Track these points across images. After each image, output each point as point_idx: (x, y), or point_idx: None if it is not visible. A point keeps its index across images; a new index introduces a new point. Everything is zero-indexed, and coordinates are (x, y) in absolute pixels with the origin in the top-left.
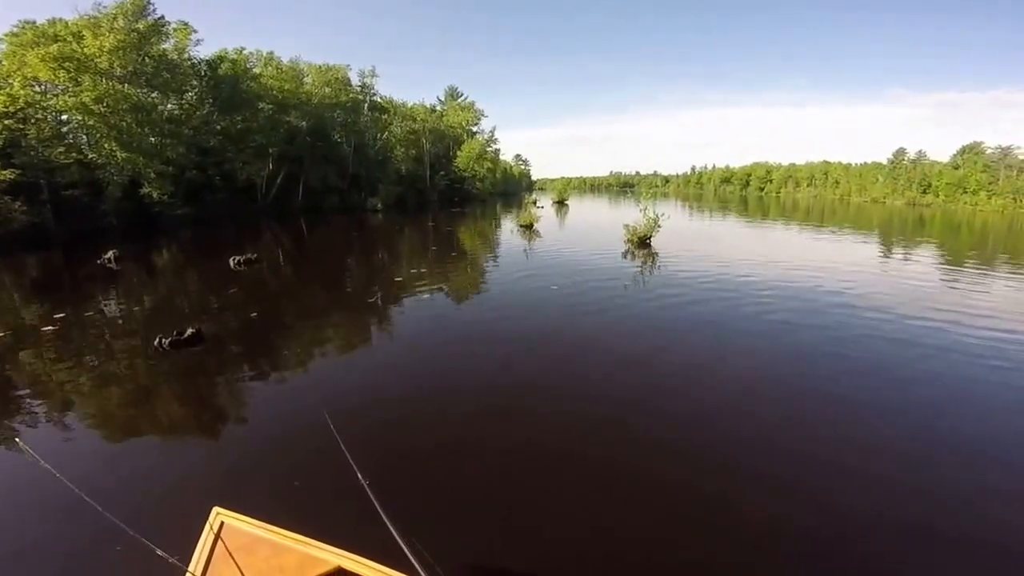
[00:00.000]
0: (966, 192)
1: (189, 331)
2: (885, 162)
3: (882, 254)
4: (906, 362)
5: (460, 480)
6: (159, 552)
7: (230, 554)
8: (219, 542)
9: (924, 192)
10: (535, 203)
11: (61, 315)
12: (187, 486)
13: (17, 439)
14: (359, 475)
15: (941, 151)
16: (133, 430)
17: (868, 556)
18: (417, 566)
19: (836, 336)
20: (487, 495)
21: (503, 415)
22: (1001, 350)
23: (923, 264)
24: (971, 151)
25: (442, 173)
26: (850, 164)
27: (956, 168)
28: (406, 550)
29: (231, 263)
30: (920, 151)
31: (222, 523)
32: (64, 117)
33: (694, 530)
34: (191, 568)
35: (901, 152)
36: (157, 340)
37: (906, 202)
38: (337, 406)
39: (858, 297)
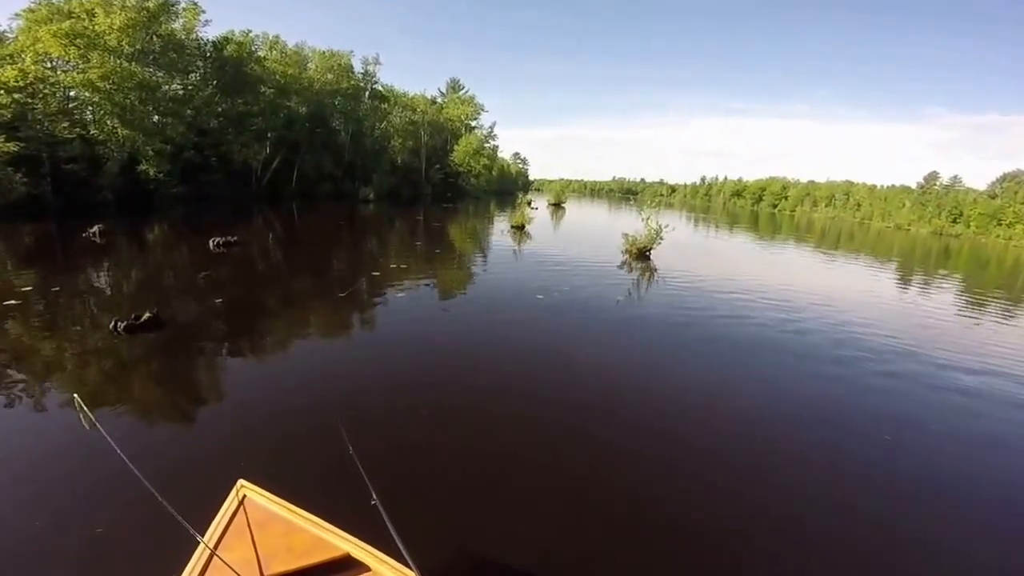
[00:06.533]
0: (1000, 224)
1: (146, 315)
2: (914, 186)
3: (899, 286)
4: (906, 404)
5: (417, 486)
6: (181, 520)
7: (248, 527)
8: (239, 514)
9: (954, 221)
10: (530, 203)
11: (28, 288)
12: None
13: (75, 395)
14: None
15: (978, 178)
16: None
17: None
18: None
19: (831, 372)
20: (444, 507)
21: (459, 426)
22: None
23: (940, 300)
24: (1012, 180)
25: (438, 166)
26: (875, 186)
27: (993, 197)
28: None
29: (211, 244)
30: (955, 176)
31: (244, 496)
32: (72, 93)
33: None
34: (206, 538)
35: (934, 176)
36: (112, 323)
37: (933, 231)
38: (286, 400)
39: (865, 332)
